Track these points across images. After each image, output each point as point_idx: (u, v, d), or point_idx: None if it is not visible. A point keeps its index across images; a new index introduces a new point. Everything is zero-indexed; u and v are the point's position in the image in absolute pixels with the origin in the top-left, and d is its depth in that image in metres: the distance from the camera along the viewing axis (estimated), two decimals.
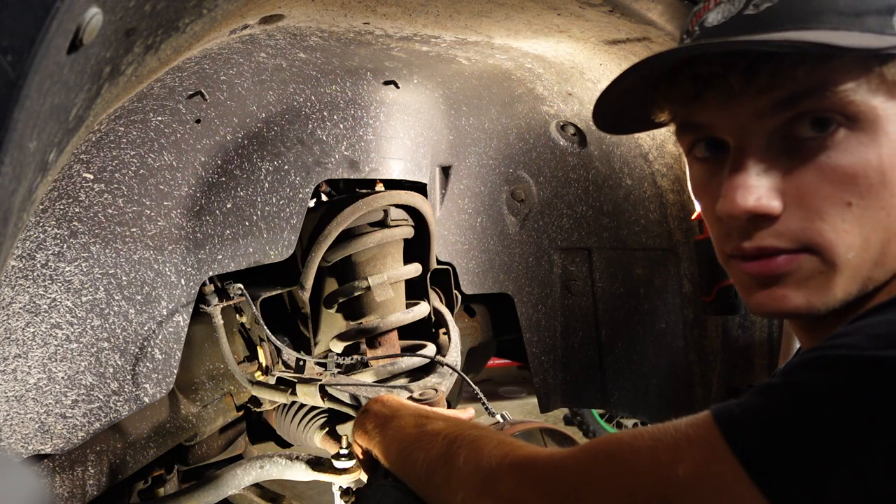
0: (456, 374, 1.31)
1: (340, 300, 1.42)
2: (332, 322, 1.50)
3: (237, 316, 1.39)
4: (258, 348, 1.37)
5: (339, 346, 1.44)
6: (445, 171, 1.68)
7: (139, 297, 1.14)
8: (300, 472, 1.38)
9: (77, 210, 1.05)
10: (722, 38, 0.60)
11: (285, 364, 1.38)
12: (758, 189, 0.59)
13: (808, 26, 0.57)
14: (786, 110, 0.59)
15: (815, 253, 0.59)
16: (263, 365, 1.36)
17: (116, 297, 1.12)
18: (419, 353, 1.39)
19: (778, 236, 0.60)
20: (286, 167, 1.29)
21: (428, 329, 1.56)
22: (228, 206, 1.24)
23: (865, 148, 0.57)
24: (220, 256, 1.24)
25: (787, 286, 0.61)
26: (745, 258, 0.63)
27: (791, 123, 0.59)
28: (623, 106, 0.71)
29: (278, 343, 1.29)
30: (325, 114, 1.32)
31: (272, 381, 1.35)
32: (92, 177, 1.06)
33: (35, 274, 1.02)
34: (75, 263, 1.06)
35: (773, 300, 0.62)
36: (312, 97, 1.30)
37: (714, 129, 0.64)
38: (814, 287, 0.60)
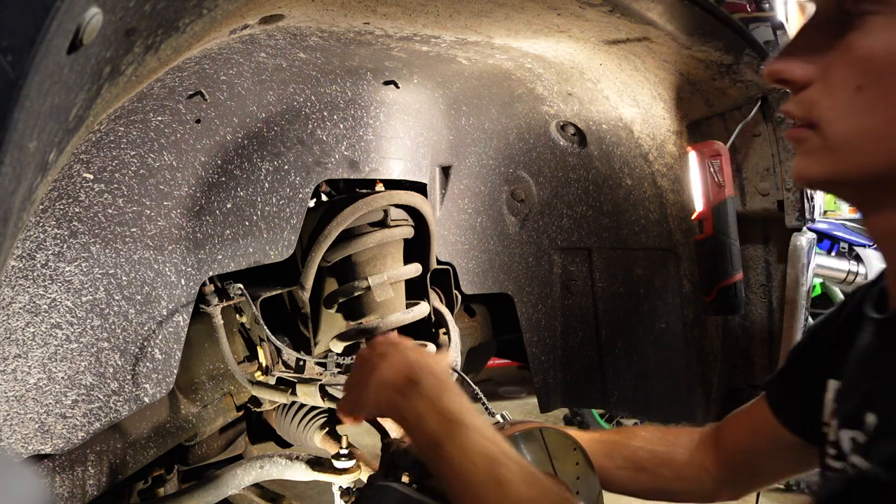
0: (456, 374, 1.31)
1: (340, 300, 1.42)
2: (332, 322, 1.50)
3: (237, 316, 1.39)
4: (258, 348, 1.37)
5: (339, 346, 1.44)
6: (445, 171, 1.68)
7: (139, 297, 1.14)
8: (300, 472, 1.38)
9: (77, 210, 1.05)
10: None
11: (285, 364, 1.38)
12: (790, 58, 0.62)
13: None
14: None
15: (815, 128, 0.62)
16: (263, 365, 1.36)
17: (116, 297, 1.12)
18: None
19: (797, 105, 0.63)
20: (286, 167, 1.29)
21: (428, 329, 1.56)
22: (228, 206, 1.24)
23: (889, 33, 0.56)
24: (220, 256, 1.24)
25: (799, 155, 0.65)
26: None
27: (841, 3, 0.59)
28: None
29: (278, 343, 1.29)
30: (325, 114, 1.32)
31: (272, 381, 1.35)
32: (92, 177, 1.06)
33: (35, 274, 1.02)
34: (75, 263, 1.06)
35: (793, 167, 0.67)
36: (312, 97, 1.30)
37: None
38: (811, 160, 0.63)
